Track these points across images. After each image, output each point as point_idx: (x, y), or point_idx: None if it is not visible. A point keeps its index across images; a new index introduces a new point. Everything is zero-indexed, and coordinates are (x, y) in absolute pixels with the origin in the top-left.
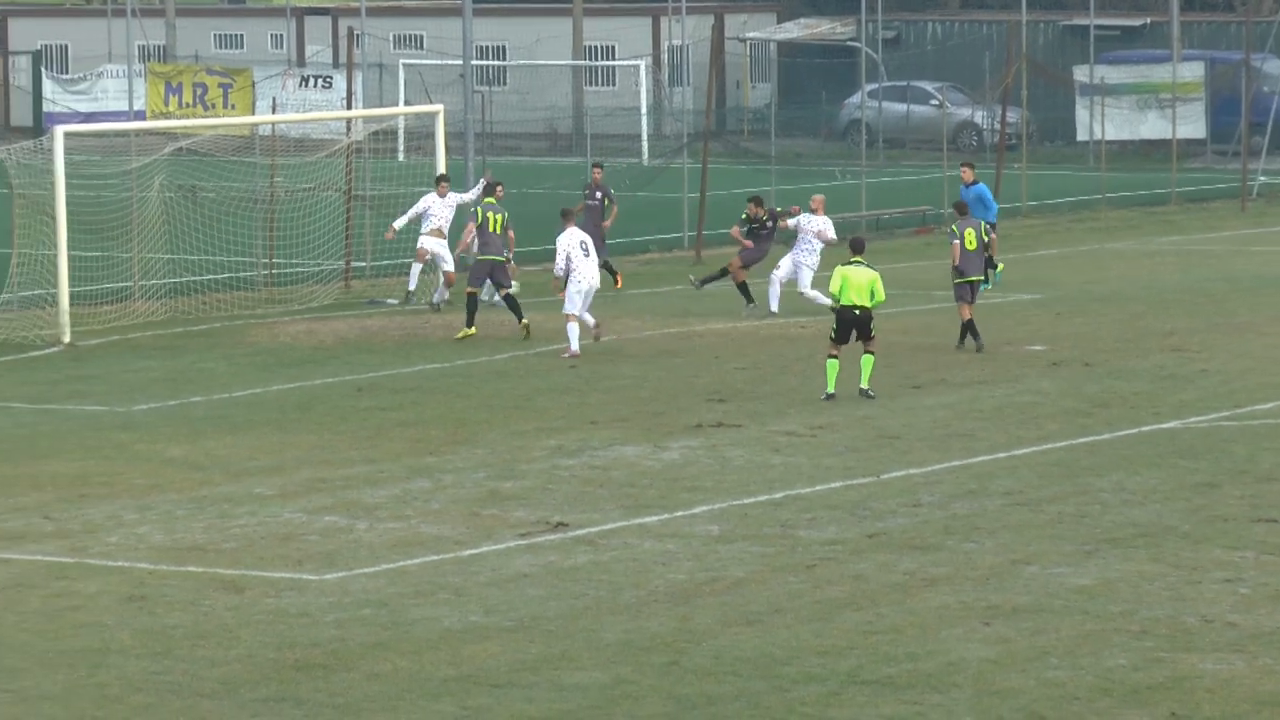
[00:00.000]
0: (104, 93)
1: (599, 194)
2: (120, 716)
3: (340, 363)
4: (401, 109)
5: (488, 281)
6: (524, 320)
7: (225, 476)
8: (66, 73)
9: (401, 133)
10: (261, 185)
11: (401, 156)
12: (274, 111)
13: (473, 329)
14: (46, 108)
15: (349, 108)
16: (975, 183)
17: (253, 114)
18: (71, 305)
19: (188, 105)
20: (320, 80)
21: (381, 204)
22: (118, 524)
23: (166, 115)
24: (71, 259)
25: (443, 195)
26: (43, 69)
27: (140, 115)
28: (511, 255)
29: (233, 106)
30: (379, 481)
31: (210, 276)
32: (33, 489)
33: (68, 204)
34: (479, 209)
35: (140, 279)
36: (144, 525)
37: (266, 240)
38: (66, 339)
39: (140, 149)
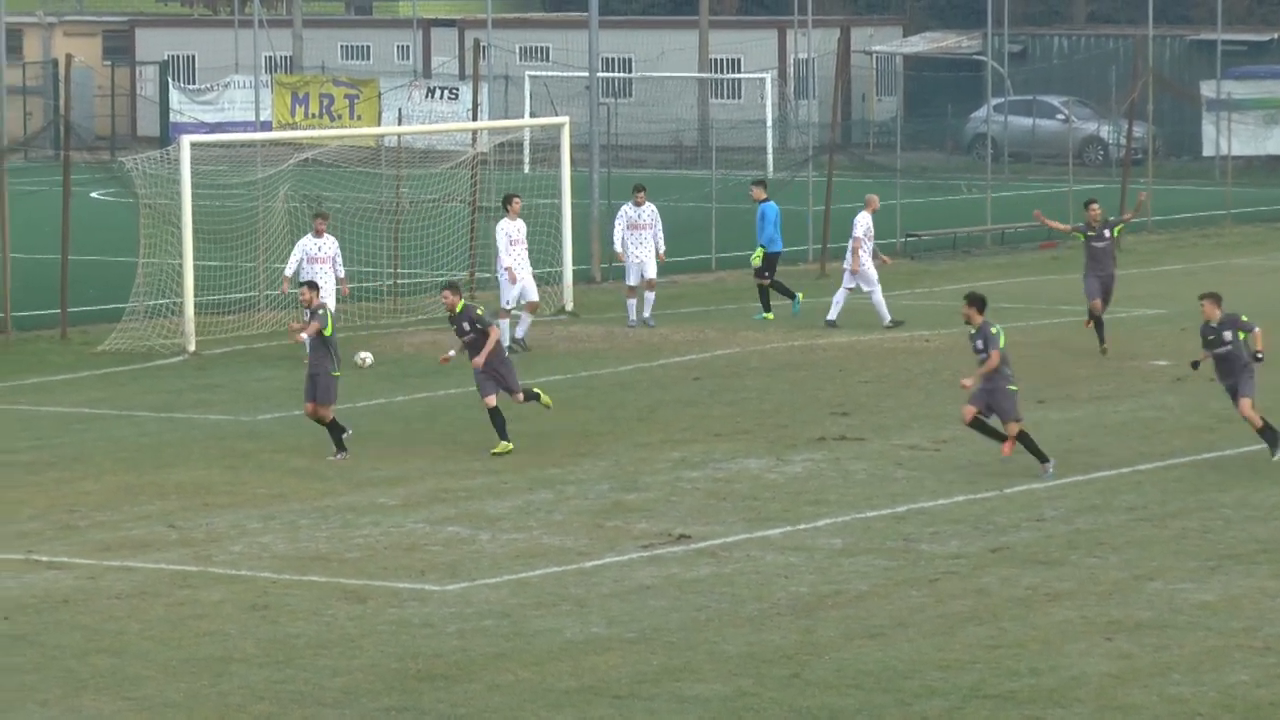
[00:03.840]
0: (230, 103)
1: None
2: None
3: (463, 374)
4: (527, 121)
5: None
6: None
7: (348, 486)
8: (193, 83)
9: (527, 144)
10: (387, 196)
11: (527, 168)
12: (400, 123)
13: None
14: (173, 118)
15: (475, 119)
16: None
17: (379, 125)
18: (197, 314)
19: (314, 116)
20: (446, 92)
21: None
22: (241, 533)
23: (292, 126)
24: (197, 268)
25: (513, 219)
26: (169, 79)
27: (266, 126)
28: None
29: (359, 117)
30: (502, 492)
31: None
32: (157, 497)
33: (194, 214)
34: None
35: (265, 289)
36: (267, 534)
37: (391, 251)
38: (191, 348)
39: (266, 159)
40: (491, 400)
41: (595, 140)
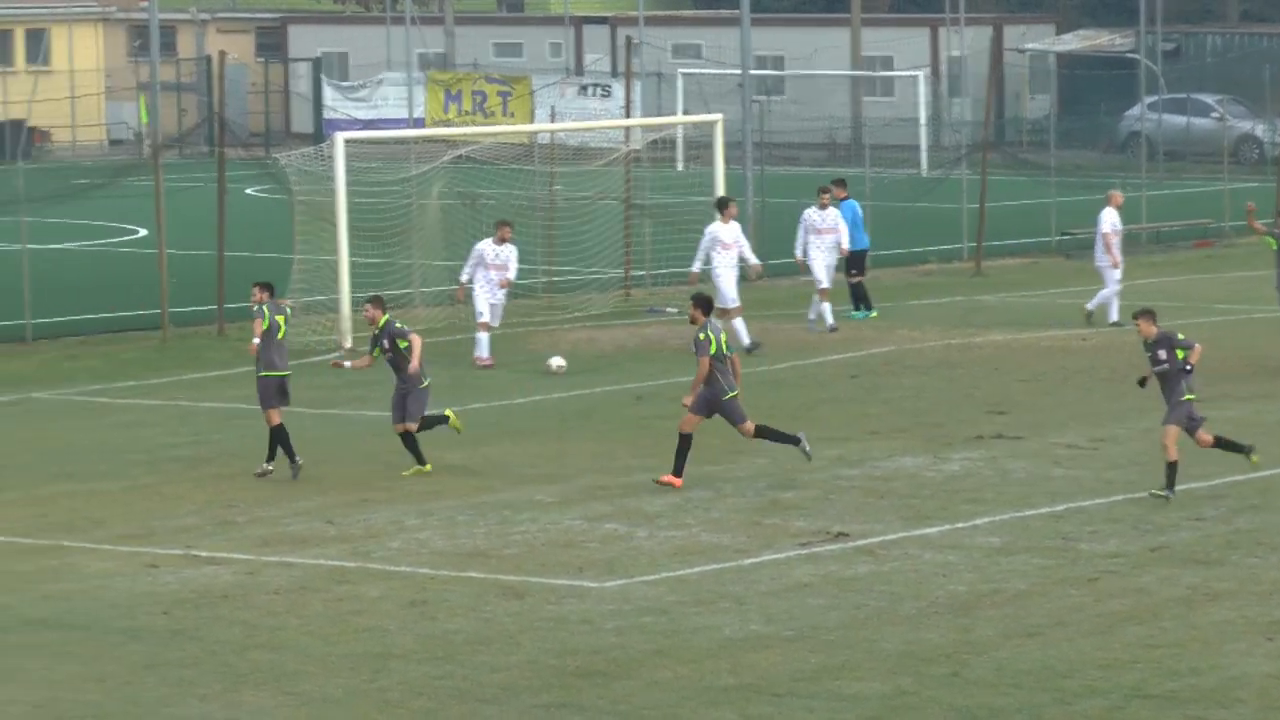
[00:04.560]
0: (383, 100)
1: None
2: None
3: (620, 371)
4: (680, 118)
5: None
6: None
7: (505, 483)
8: (346, 80)
9: (680, 142)
10: (540, 193)
11: (680, 166)
12: (552, 120)
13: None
14: (326, 114)
15: (627, 116)
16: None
17: (531, 122)
18: (351, 311)
19: (467, 113)
20: (599, 89)
21: (660, 213)
22: (399, 529)
23: (446, 123)
24: (351, 265)
25: (726, 222)
26: (323, 76)
27: (419, 123)
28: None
29: (511, 114)
30: (659, 490)
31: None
32: (316, 494)
33: (348, 210)
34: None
35: (420, 285)
36: (425, 530)
37: (546, 248)
38: (347, 344)
39: (420, 156)
40: (400, 427)
41: (748, 138)
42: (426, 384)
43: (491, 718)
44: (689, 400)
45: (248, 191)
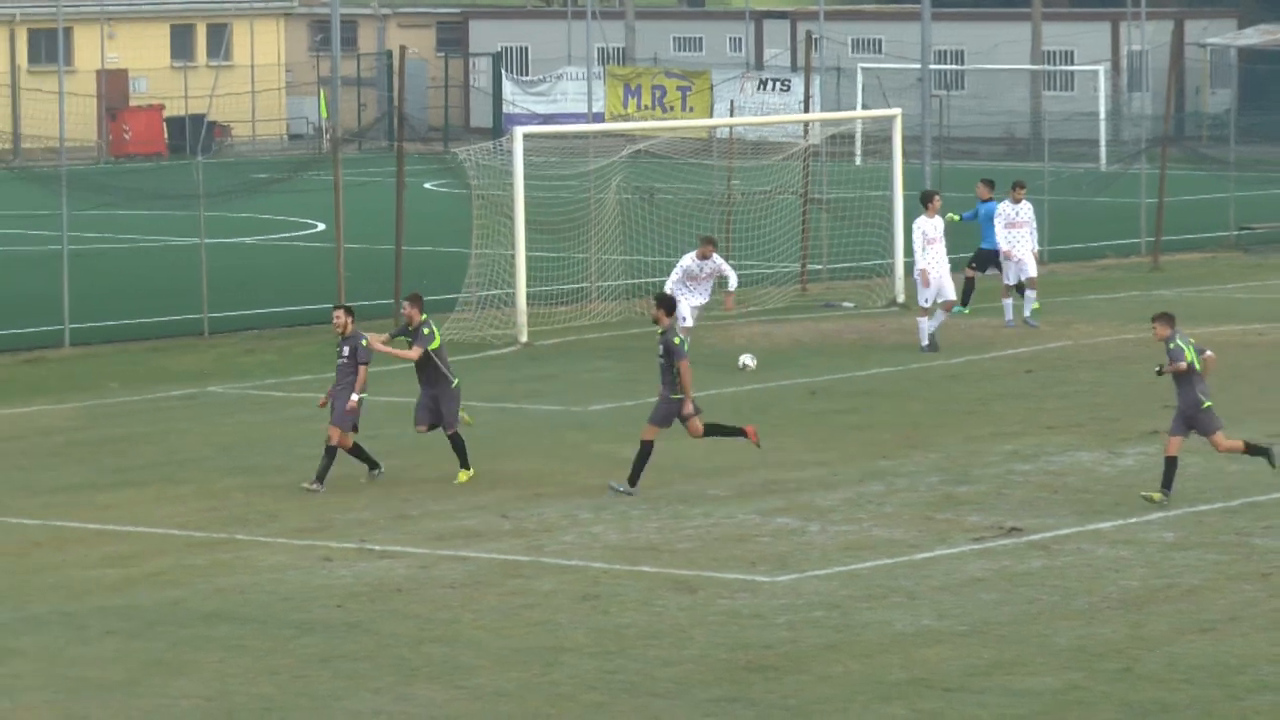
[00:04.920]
0: (563, 94)
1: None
2: (573, 715)
3: (795, 365)
4: (859, 113)
5: None
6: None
7: (680, 477)
8: (526, 74)
9: (859, 136)
10: (719, 188)
11: (859, 160)
12: (731, 114)
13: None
14: (506, 109)
15: (806, 111)
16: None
17: (710, 117)
18: (529, 305)
19: (646, 107)
20: (778, 83)
21: (838, 208)
22: (573, 523)
23: (625, 118)
24: (529, 259)
25: (931, 216)
26: (503, 70)
27: (599, 117)
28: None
29: (690, 109)
30: (832, 484)
31: (666, 278)
32: (490, 488)
33: (526, 204)
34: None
35: (597, 280)
36: (598, 525)
37: (724, 243)
38: (524, 339)
39: (598, 151)
40: (424, 429)
41: (927, 132)
42: (456, 384)
43: (663, 712)
44: (690, 407)
45: (426, 186)
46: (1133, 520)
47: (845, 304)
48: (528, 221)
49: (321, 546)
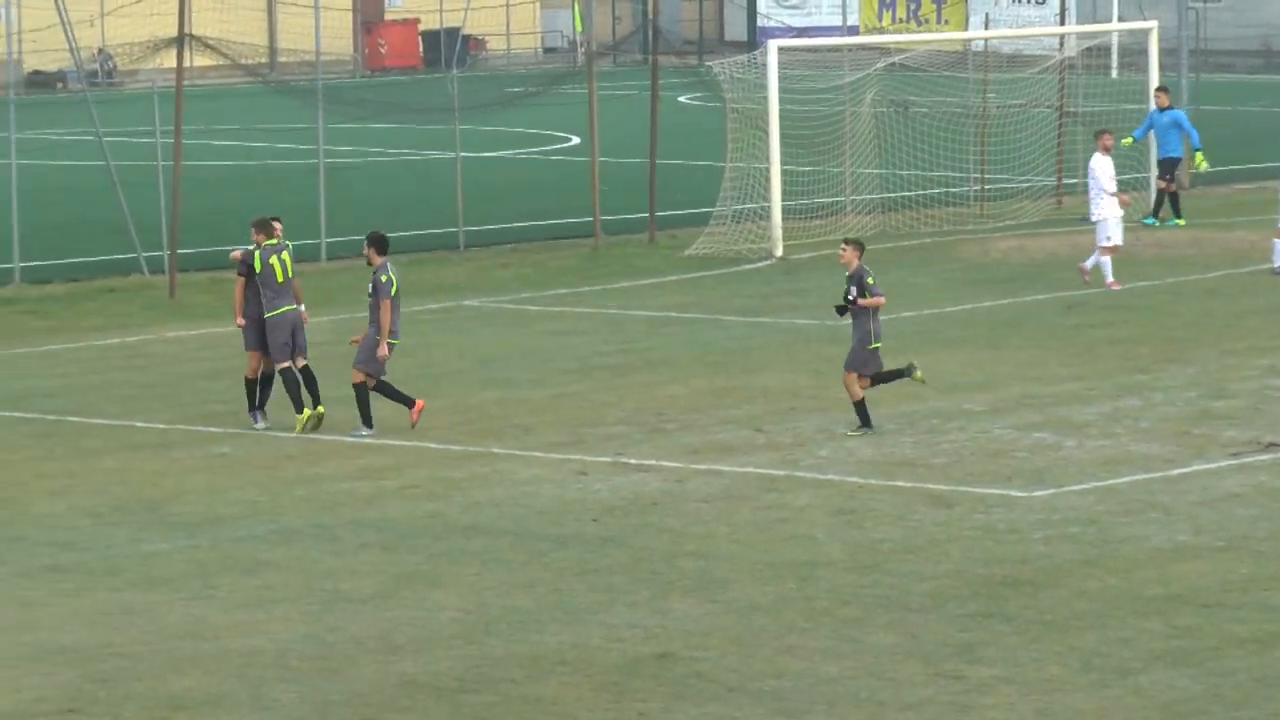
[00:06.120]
0: (817, 8)
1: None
2: (828, 629)
3: (1050, 280)
4: (1114, 25)
5: None
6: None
7: (935, 392)
8: None
9: (1115, 49)
10: (974, 101)
11: (1114, 73)
12: (986, 27)
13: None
14: (760, 22)
15: (1061, 24)
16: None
17: (965, 29)
18: (783, 219)
19: (900, 20)
20: None
21: (1094, 121)
22: (827, 438)
23: (879, 30)
24: (783, 173)
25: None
26: None
27: (853, 30)
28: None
29: (946, 22)
30: (1088, 399)
31: (920, 192)
32: (744, 401)
33: (780, 118)
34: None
35: (851, 194)
36: (853, 439)
37: (978, 156)
38: (778, 253)
39: (853, 64)
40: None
41: (1184, 45)
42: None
43: (918, 626)
44: (384, 350)
45: (680, 99)
46: None
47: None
48: (782, 135)
49: (576, 460)
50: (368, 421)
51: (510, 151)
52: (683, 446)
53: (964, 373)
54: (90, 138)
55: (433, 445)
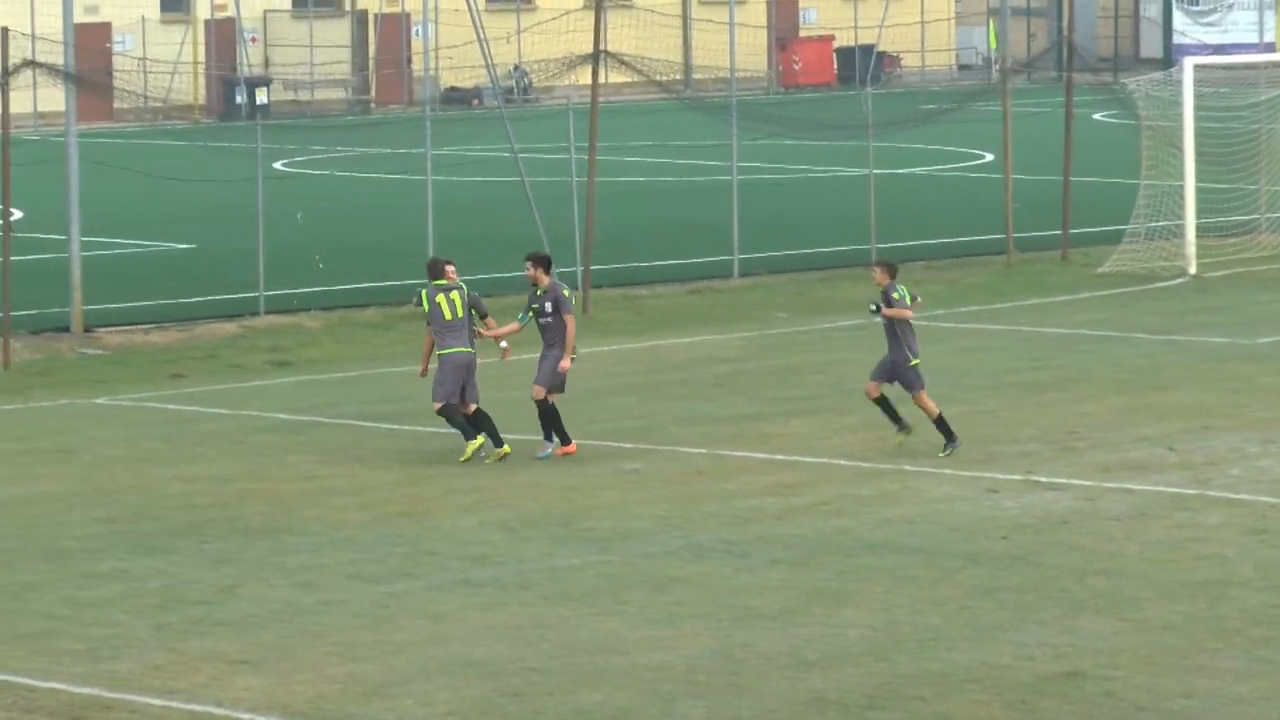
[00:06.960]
0: (1233, 25)
1: None
2: (1239, 649)
3: None
4: None
5: None
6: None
7: None
8: (1196, 4)
9: None
10: None
11: None
12: None
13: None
14: (1175, 39)
15: None
16: None
17: None
18: (1197, 236)
19: None
20: None
21: None
22: (1240, 456)
23: None
24: (1197, 190)
25: None
26: (1174, 1)
27: (1269, 47)
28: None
29: None
30: None
31: None
32: (1156, 419)
33: (1195, 135)
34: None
35: (1266, 211)
36: (1266, 459)
37: None
38: (1192, 270)
39: (1269, 81)
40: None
41: None
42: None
43: None
44: (568, 363)
45: (1095, 117)
46: None
47: None
48: (1197, 152)
49: (987, 478)
50: (557, 437)
51: (923, 168)
52: (1094, 464)
53: None
54: (505, 154)
55: (843, 462)
